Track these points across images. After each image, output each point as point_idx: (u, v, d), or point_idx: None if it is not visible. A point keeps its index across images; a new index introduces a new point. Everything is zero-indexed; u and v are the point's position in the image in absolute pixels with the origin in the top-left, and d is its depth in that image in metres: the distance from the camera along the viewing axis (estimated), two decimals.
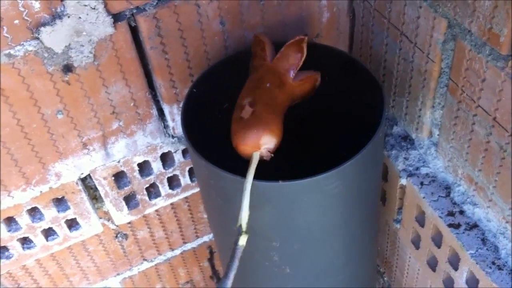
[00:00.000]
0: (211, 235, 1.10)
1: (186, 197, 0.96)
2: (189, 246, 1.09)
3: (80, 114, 0.70)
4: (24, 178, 0.75)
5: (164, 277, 1.12)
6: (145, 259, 1.06)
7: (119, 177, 0.85)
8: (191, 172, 0.90)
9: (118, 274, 1.06)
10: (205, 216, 1.05)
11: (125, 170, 0.82)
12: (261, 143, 0.56)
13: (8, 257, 0.86)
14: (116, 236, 0.98)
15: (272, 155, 0.57)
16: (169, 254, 1.08)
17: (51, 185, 0.78)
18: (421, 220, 0.74)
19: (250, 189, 0.55)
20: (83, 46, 0.64)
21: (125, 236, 0.99)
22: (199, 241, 1.09)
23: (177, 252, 1.09)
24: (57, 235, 0.87)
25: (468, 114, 0.60)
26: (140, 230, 0.99)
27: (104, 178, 0.82)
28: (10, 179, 0.74)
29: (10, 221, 0.82)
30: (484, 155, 0.61)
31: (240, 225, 0.52)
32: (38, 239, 0.86)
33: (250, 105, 0.59)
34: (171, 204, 0.97)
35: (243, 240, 0.52)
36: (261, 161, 0.57)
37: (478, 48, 0.54)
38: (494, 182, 0.61)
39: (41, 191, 0.79)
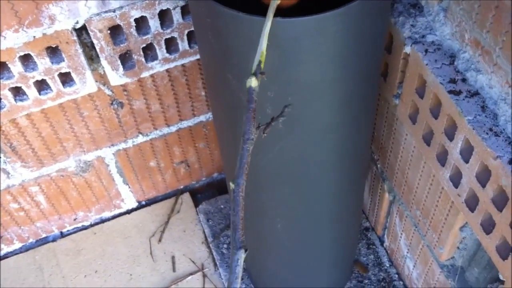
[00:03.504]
0: (208, 115, 1.09)
1: (184, 69, 0.94)
2: (185, 124, 1.08)
3: None
4: (16, 18, 0.72)
5: (159, 154, 1.12)
6: (140, 132, 1.05)
7: (115, 33, 0.82)
8: (189, 37, 0.87)
9: (112, 145, 1.06)
10: (203, 93, 1.04)
11: (121, 24, 0.80)
12: None
13: None
14: (112, 103, 0.97)
15: None
16: (165, 130, 1.07)
17: (44, 29, 0.76)
18: (421, 91, 0.72)
19: (251, 27, 0.53)
20: None
21: (121, 104, 0.98)
22: (196, 120, 1.08)
23: (173, 129, 1.08)
24: (51, 89, 0.86)
25: None
26: (136, 100, 0.98)
27: (100, 31, 0.80)
28: (2, 17, 0.72)
29: (3, 68, 0.80)
30: (494, 13, 0.58)
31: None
32: (31, 91, 0.84)
33: None
34: (169, 74, 0.95)
35: (254, 82, 0.50)
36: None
37: None
38: (502, 43, 0.58)
39: (34, 36, 0.76)
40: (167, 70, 0.93)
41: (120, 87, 0.93)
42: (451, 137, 0.68)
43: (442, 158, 0.72)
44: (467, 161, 0.66)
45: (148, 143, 1.09)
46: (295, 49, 0.58)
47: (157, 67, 0.89)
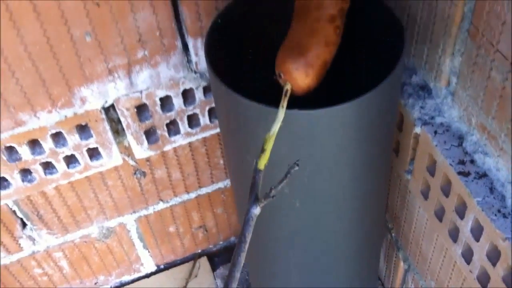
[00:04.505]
0: (226, 182, 1.12)
1: (204, 140, 0.99)
2: (204, 190, 1.12)
3: (107, 39, 0.73)
4: (50, 100, 0.78)
5: (179, 219, 1.16)
6: (161, 200, 1.09)
7: (141, 111, 0.87)
8: (210, 113, 0.92)
9: (134, 212, 1.09)
10: (222, 162, 1.08)
11: (147, 103, 0.85)
12: None
13: (30, 181, 0.90)
14: (135, 173, 1.01)
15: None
16: (185, 196, 1.11)
17: (75, 109, 0.81)
18: (432, 169, 0.75)
19: (266, 116, 0.57)
20: None
21: (144, 174, 1.02)
22: (214, 186, 1.12)
23: (193, 195, 1.12)
24: (79, 163, 0.90)
25: (486, 59, 0.61)
26: (158, 169, 1.02)
27: (127, 109, 0.85)
28: (37, 99, 0.77)
29: (35, 144, 0.85)
30: (498, 102, 0.61)
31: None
32: (60, 165, 0.89)
33: None
34: (189, 145, 0.99)
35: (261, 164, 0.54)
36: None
37: None
38: (506, 130, 0.61)
39: (66, 116, 0.81)
40: (188, 143, 0.98)
41: (143, 158, 0.98)
42: (461, 216, 0.70)
43: (454, 234, 0.74)
44: (477, 240, 0.68)
45: (168, 210, 1.12)
46: (308, 136, 0.62)
47: (179, 140, 0.94)
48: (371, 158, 0.69)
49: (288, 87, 0.60)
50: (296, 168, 0.56)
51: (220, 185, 1.13)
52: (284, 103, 0.58)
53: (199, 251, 1.27)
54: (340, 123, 0.61)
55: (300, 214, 0.71)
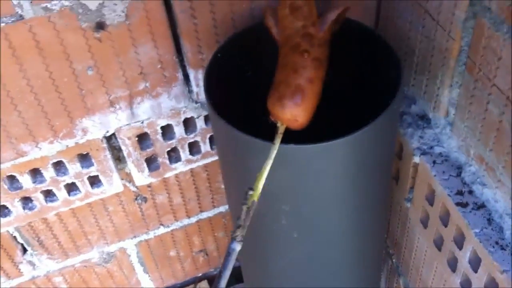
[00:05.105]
0: (227, 206, 1.13)
1: (205, 165, 0.99)
2: (205, 215, 1.12)
3: (109, 72, 0.74)
4: (52, 131, 0.78)
5: (179, 243, 1.16)
6: (162, 224, 1.10)
7: (142, 139, 0.88)
8: (211, 140, 0.92)
9: (135, 237, 1.09)
10: (223, 186, 1.08)
11: (148, 132, 0.86)
12: None
13: (31, 208, 0.90)
14: (136, 199, 1.01)
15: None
16: (186, 221, 1.11)
17: (77, 140, 0.81)
18: (430, 199, 0.75)
19: (262, 150, 0.58)
20: (116, 4, 0.67)
21: (145, 199, 1.02)
22: (215, 211, 1.12)
23: (193, 220, 1.12)
24: (79, 191, 0.91)
25: (483, 93, 0.62)
26: (159, 195, 1.03)
27: (128, 138, 0.85)
28: (39, 131, 0.78)
29: (36, 173, 0.86)
30: (496, 135, 0.62)
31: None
32: (61, 193, 0.89)
33: None
34: (191, 171, 1.00)
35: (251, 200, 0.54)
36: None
37: (496, 25, 0.55)
38: (504, 162, 0.62)
39: (67, 146, 0.82)
40: (189, 169, 0.98)
41: (144, 185, 0.98)
42: (460, 246, 0.71)
43: (453, 264, 0.74)
44: (475, 271, 0.69)
45: (169, 234, 1.13)
46: (306, 169, 0.62)
47: (180, 167, 0.94)
48: (369, 189, 0.69)
49: (278, 125, 0.60)
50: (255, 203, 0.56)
51: (221, 209, 1.13)
52: (277, 142, 0.58)
53: (200, 274, 1.27)
54: (337, 157, 0.61)
55: (299, 245, 0.72)
